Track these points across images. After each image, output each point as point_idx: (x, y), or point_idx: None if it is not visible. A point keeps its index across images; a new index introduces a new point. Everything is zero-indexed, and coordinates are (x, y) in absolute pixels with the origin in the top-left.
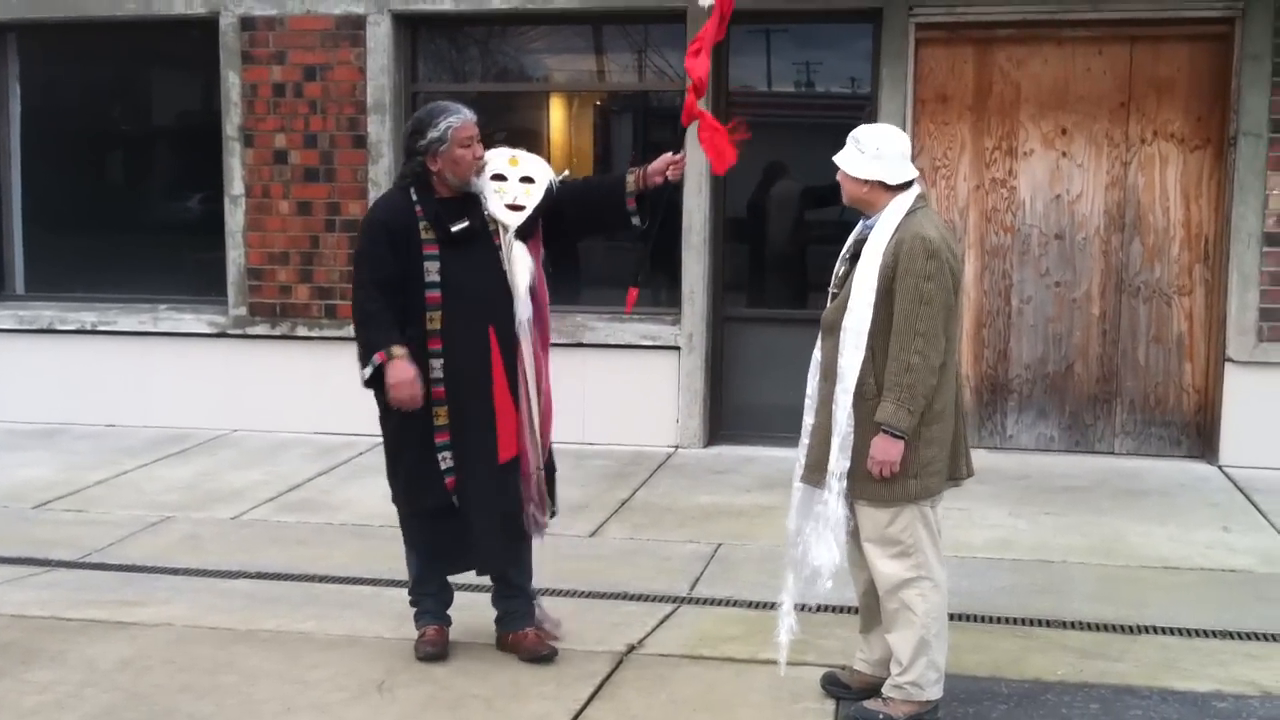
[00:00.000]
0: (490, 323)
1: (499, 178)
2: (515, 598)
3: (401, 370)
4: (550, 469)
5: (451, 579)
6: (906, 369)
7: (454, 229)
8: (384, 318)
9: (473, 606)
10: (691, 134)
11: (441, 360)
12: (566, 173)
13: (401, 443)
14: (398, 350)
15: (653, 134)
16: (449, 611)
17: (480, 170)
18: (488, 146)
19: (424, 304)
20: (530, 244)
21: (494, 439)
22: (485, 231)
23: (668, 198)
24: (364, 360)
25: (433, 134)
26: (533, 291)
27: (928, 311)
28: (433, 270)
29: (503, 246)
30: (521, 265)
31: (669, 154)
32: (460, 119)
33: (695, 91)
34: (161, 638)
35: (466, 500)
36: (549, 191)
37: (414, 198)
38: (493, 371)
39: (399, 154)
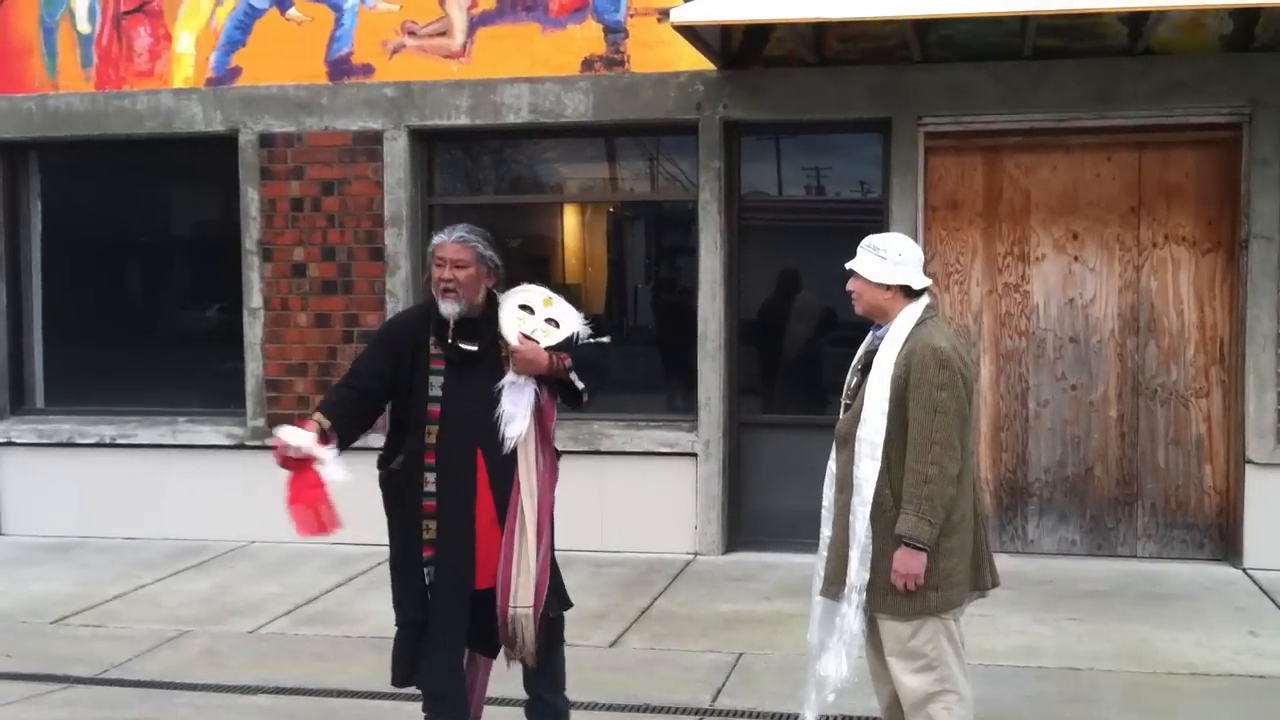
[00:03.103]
0: (478, 445)
1: (526, 308)
2: (543, 713)
3: (289, 432)
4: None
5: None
6: (925, 480)
7: (463, 346)
8: (332, 395)
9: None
10: None
11: (434, 475)
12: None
13: (396, 552)
14: (317, 415)
15: (665, 241)
16: None
17: (445, 294)
18: (504, 254)
19: (425, 417)
20: (543, 387)
21: (471, 563)
22: (495, 356)
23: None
24: None
25: (430, 248)
26: (542, 433)
27: (943, 421)
28: (436, 385)
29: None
30: (513, 393)
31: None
32: (439, 239)
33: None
34: None
35: (434, 618)
36: (570, 340)
37: (430, 313)
38: (476, 494)
39: (416, 266)
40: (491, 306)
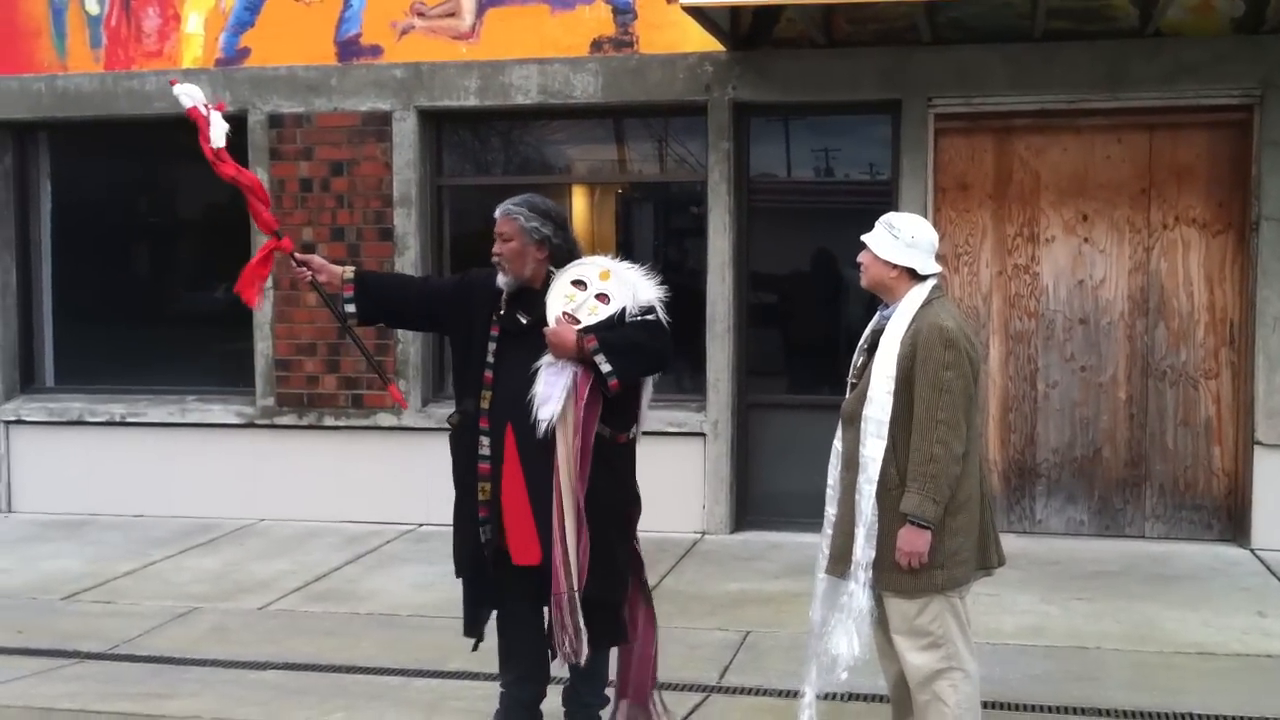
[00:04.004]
0: (509, 420)
1: (579, 284)
2: (571, 695)
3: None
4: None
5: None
6: (929, 459)
7: (520, 318)
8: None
9: None
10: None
11: (488, 439)
12: (653, 316)
13: (455, 508)
14: (350, 267)
15: (673, 222)
16: (537, 710)
17: (506, 268)
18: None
19: (481, 381)
20: (581, 369)
21: (502, 536)
22: (540, 333)
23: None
24: None
25: None
26: (580, 417)
27: (948, 400)
28: (490, 351)
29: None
30: (550, 375)
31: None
32: (497, 211)
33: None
34: None
35: (496, 579)
36: (616, 317)
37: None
38: (504, 468)
39: (425, 246)
40: (549, 281)
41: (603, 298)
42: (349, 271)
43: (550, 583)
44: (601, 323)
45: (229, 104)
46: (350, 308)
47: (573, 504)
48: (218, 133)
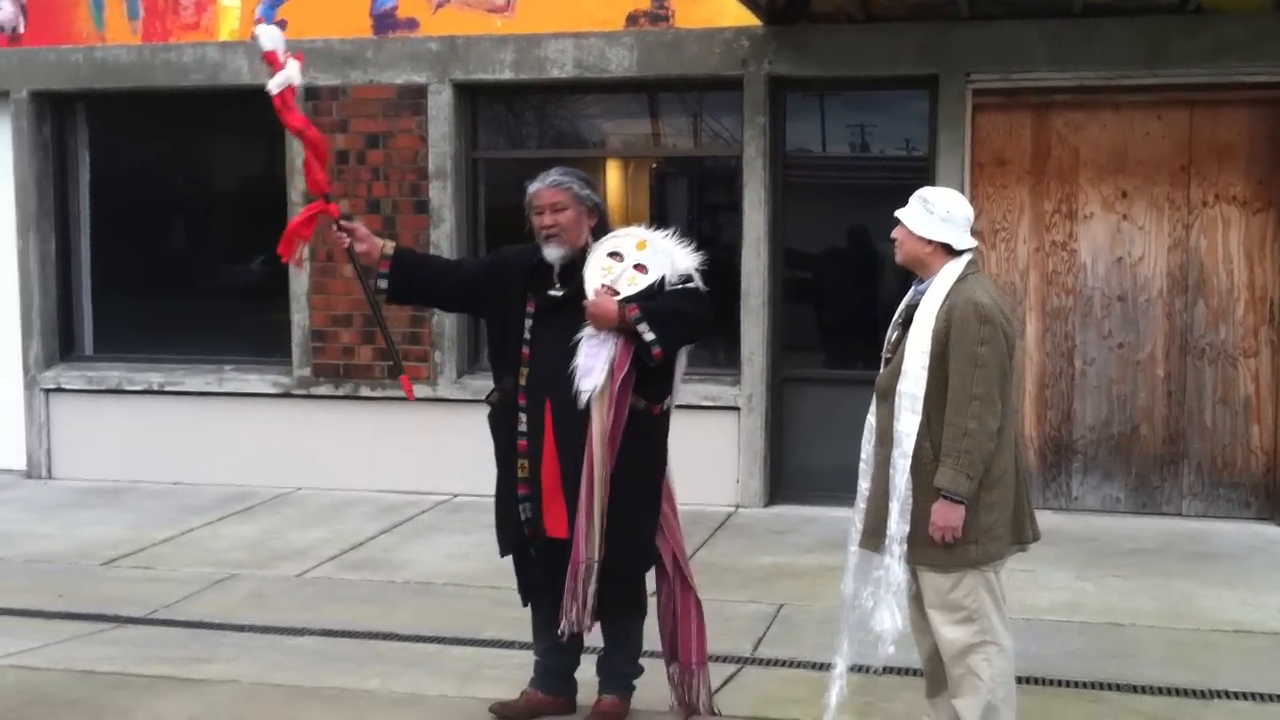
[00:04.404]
0: (547, 395)
1: (615, 255)
2: (604, 663)
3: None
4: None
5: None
6: (964, 434)
7: (549, 293)
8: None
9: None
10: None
11: (526, 416)
12: (694, 284)
13: (497, 485)
14: (389, 241)
15: (708, 197)
16: (570, 679)
17: (547, 239)
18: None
19: (519, 358)
20: (621, 339)
21: (540, 509)
22: (574, 305)
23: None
24: None
25: (527, 198)
26: (617, 387)
27: (983, 375)
28: (527, 328)
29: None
30: (592, 347)
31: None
32: (534, 187)
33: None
34: (228, 694)
35: (540, 552)
36: (655, 287)
37: (535, 255)
38: (544, 442)
39: (460, 218)
40: (585, 253)
41: (640, 268)
42: (389, 247)
43: (572, 553)
44: (641, 292)
45: (266, 76)
46: (383, 284)
47: (602, 475)
48: (279, 78)
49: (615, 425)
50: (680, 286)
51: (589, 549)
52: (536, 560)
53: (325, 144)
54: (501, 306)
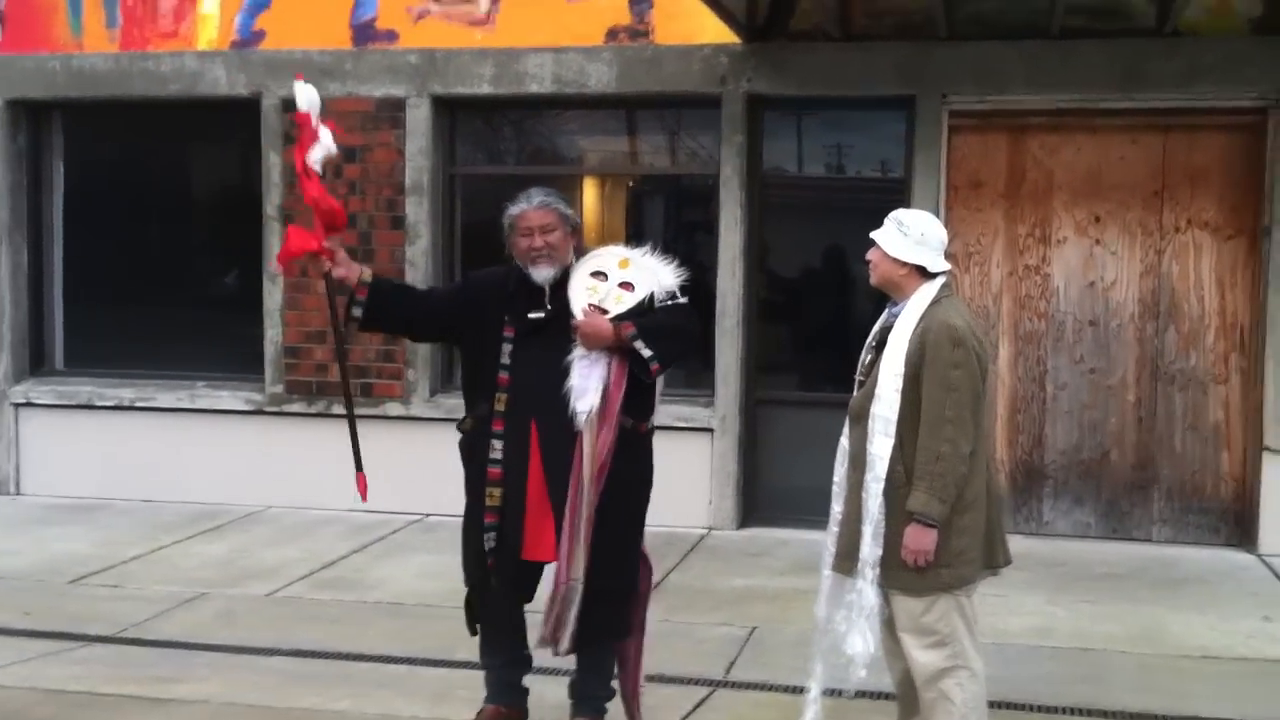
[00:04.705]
0: (533, 416)
1: (599, 275)
2: (577, 687)
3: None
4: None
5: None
6: (937, 457)
7: (530, 315)
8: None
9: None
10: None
11: (501, 443)
12: (684, 299)
13: (465, 514)
14: (366, 268)
15: (685, 216)
16: (522, 688)
17: (536, 261)
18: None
19: (495, 384)
20: (615, 358)
21: (520, 534)
22: (557, 325)
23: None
24: None
25: (505, 220)
26: (608, 408)
27: (956, 399)
28: (505, 353)
29: (576, 342)
30: (584, 368)
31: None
32: (519, 208)
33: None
34: (198, 714)
35: (501, 583)
36: (644, 304)
37: (509, 278)
38: (529, 466)
39: (436, 235)
40: (567, 273)
41: (626, 285)
42: (367, 274)
43: (555, 574)
44: (630, 310)
45: (243, 87)
46: (357, 311)
47: (590, 497)
48: (319, 153)
49: (608, 447)
50: (670, 303)
51: (573, 569)
52: (502, 586)
53: (340, 212)
54: (476, 332)
